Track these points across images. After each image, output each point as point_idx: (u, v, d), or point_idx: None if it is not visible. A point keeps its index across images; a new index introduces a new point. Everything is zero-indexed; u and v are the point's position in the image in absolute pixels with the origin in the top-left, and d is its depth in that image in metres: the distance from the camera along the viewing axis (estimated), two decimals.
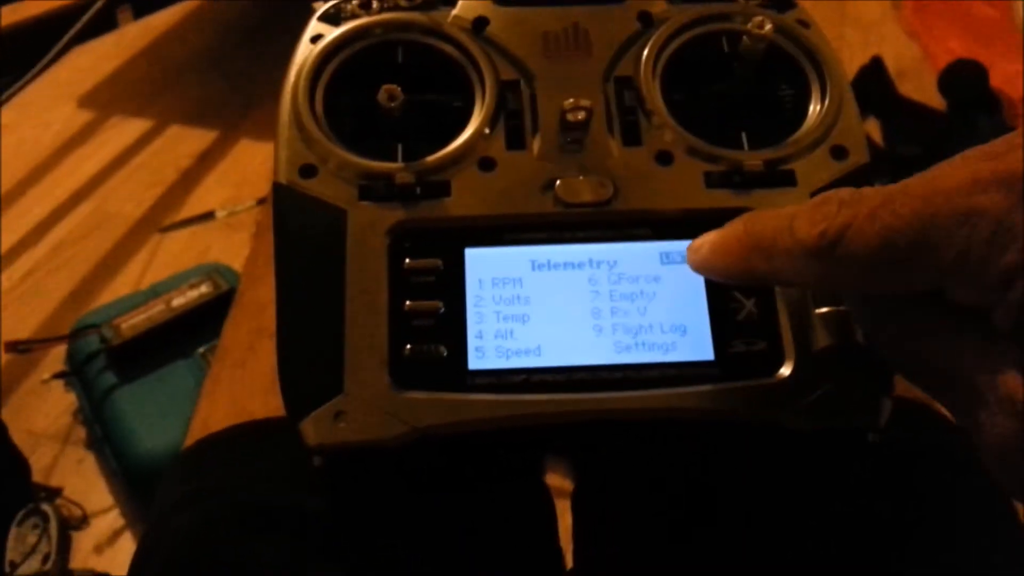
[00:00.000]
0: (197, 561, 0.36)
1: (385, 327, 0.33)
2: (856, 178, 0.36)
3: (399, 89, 0.35)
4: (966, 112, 1.41)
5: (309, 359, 0.33)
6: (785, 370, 0.33)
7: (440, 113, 0.38)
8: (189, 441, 0.41)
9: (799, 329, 0.33)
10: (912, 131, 1.39)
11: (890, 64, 1.51)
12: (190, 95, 1.62)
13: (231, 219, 1.33)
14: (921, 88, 1.50)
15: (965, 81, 1.45)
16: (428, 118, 0.37)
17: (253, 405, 0.39)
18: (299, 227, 0.35)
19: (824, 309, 0.33)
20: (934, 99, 1.48)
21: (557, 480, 0.49)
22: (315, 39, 0.39)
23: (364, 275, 0.34)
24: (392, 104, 0.35)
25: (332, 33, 0.38)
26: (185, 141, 1.52)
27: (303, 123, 0.36)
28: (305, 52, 0.38)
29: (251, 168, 1.46)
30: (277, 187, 0.36)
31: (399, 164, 0.36)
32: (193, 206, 1.39)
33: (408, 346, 0.33)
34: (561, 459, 0.53)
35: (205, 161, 1.48)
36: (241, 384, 0.41)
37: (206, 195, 1.41)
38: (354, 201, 0.35)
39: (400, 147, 0.36)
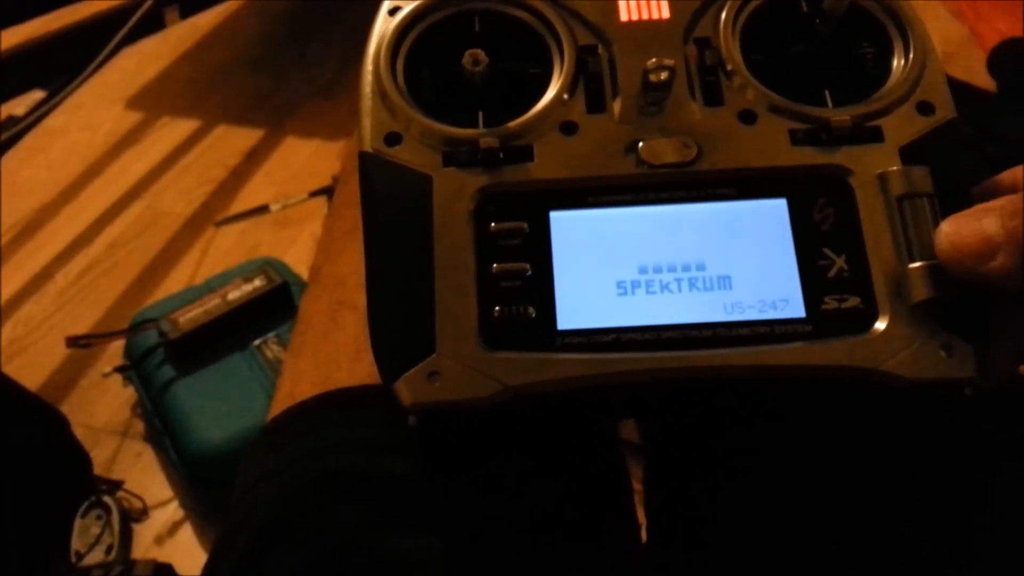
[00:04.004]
0: (287, 528, 0.37)
1: (474, 289, 0.33)
2: (944, 133, 0.36)
3: (483, 53, 0.35)
4: (1018, 92, 1.38)
5: (400, 322, 0.34)
6: (880, 325, 0.33)
7: (519, 80, 0.38)
8: (274, 412, 0.41)
9: (892, 284, 0.33)
10: (963, 113, 1.37)
11: (936, 46, 1.48)
12: (236, 94, 1.64)
13: (279, 215, 1.35)
14: (970, 69, 1.48)
15: (1015, 61, 1.43)
16: (508, 85, 0.37)
17: (338, 374, 0.40)
18: (386, 194, 0.35)
19: (918, 263, 0.33)
20: (983, 80, 1.45)
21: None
22: (393, 11, 0.39)
23: (451, 239, 0.34)
24: (476, 68, 0.35)
25: (410, 5, 0.39)
26: (232, 139, 1.54)
27: (386, 92, 0.37)
28: (384, 24, 0.38)
29: (297, 164, 1.48)
30: (363, 156, 0.36)
31: (482, 130, 0.36)
32: (243, 203, 1.40)
33: (497, 307, 0.33)
34: (635, 437, 0.53)
35: (253, 159, 1.50)
36: (325, 354, 0.41)
37: (255, 192, 1.43)
38: (439, 167, 0.35)
39: (481, 114, 0.37)
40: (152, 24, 1.40)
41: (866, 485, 0.39)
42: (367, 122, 0.36)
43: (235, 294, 1.06)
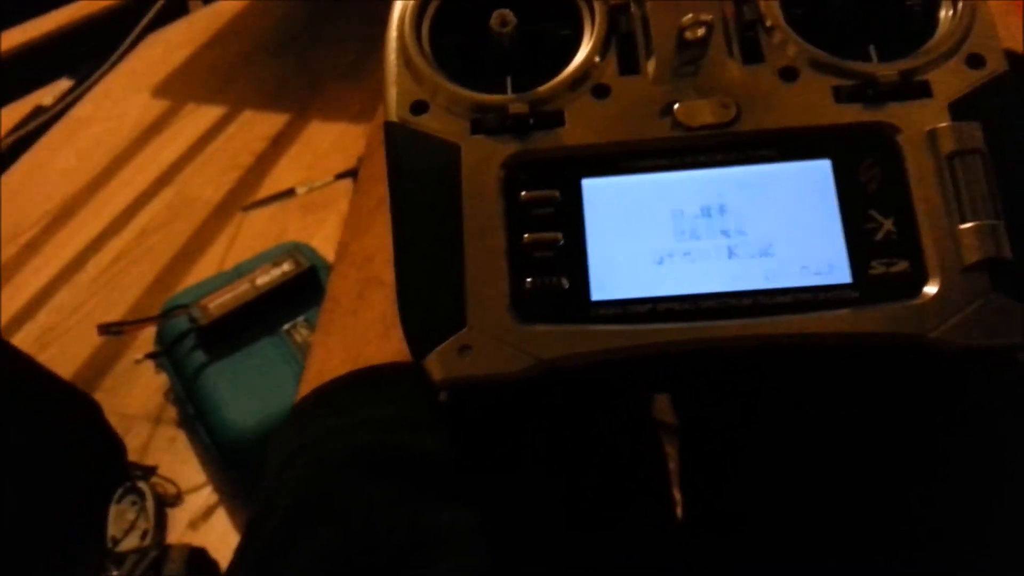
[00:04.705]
0: (318, 506, 0.36)
1: (505, 260, 0.32)
2: (996, 87, 0.34)
3: (511, 13, 0.34)
4: None
5: (430, 295, 0.33)
6: (930, 289, 0.31)
7: (548, 42, 0.36)
8: (304, 390, 0.41)
9: (943, 246, 0.31)
10: None
11: None
12: (259, 80, 1.64)
13: (306, 199, 1.35)
14: (1010, 35, 1.44)
15: None
16: (536, 48, 0.36)
17: (368, 351, 0.39)
18: (413, 164, 0.34)
19: (970, 224, 0.31)
20: (1020, 44, 1.42)
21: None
22: None
23: (481, 209, 0.33)
24: (504, 30, 0.34)
25: None
26: (258, 125, 1.54)
27: (411, 60, 0.35)
28: None
29: (322, 148, 1.47)
30: (389, 125, 0.35)
31: (511, 96, 0.35)
32: (269, 187, 1.40)
33: (529, 279, 0.32)
34: (668, 417, 0.52)
35: (278, 143, 1.50)
36: (354, 332, 0.40)
37: (281, 176, 1.43)
38: (467, 135, 0.34)
39: (509, 80, 0.35)
40: (176, 10, 1.40)
41: (908, 462, 0.38)
42: (392, 91, 0.35)
43: (264, 279, 1.06)
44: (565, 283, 0.32)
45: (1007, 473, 0.37)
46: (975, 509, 0.37)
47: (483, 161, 0.34)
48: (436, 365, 0.31)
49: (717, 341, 0.31)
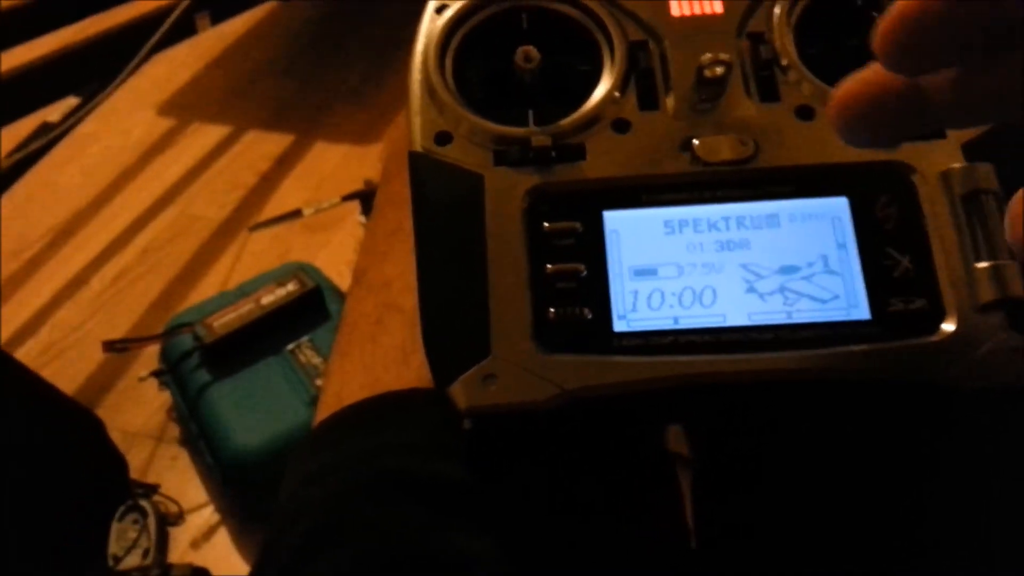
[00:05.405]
0: (338, 528, 0.36)
1: (528, 290, 0.33)
2: (1010, 128, 0.35)
3: (535, 50, 0.35)
4: None
5: (454, 324, 0.33)
6: (947, 327, 0.32)
7: (569, 78, 0.37)
8: (322, 415, 0.41)
9: (960, 284, 0.32)
10: None
11: None
12: (264, 100, 1.65)
13: (310, 220, 1.35)
14: None
15: None
16: (557, 83, 0.37)
17: (387, 377, 0.39)
18: (437, 193, 0.35)
19: (984, 263, 0.32)
20: None
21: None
22: (440, 9, 0.38)
23: (504, 239, 0.33)
24: (528, 65, 0.35)
25: (457, 3, 0.38)
26: (262, 145, 1.55)
27: (435, 91, 0.36)
28: (431, 23, 0.38)
29: (327, 169, 1.48)
30: (413, 156, 0.36)
31: (533, 128, 0.35)
32: (273, 207, 1.41)
33: (552, 309, 0.33)
34: (680, 449, 0.52)
35: (283, 164, 1.51)
36: (372, 357, 0.41)
37: (285, 196, 1.44)
38: (490, 166, 0.35)
39: (531, 113, 0.36)
40: (184, 30, 1.41)
41: (914, 480, 0.38)
42: (417, 121, 0.36)
43: (268, 298, 1.07)
44: (588, 314, 0.33)
45: (1003, 487, 0.37)
46: (975, 521, 0.37)
47: (506, 192, 0.34)
48: (461, 393, 0.32)
49: (740, 375, 0.32)
